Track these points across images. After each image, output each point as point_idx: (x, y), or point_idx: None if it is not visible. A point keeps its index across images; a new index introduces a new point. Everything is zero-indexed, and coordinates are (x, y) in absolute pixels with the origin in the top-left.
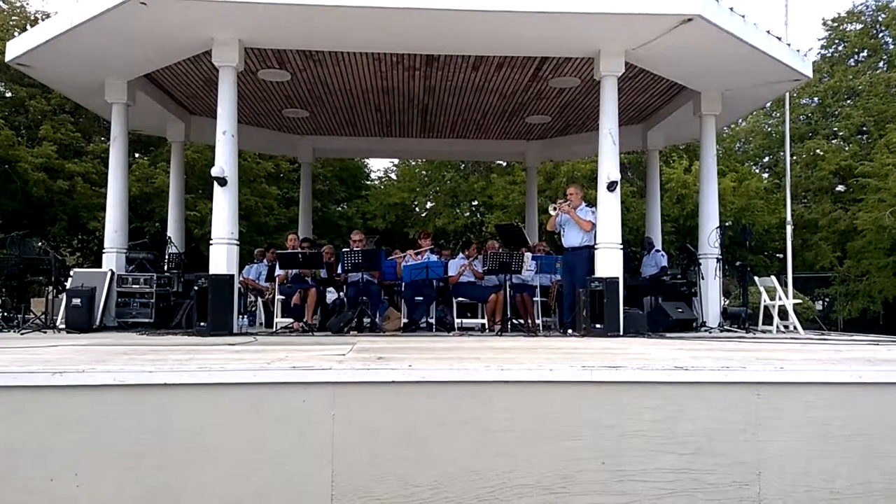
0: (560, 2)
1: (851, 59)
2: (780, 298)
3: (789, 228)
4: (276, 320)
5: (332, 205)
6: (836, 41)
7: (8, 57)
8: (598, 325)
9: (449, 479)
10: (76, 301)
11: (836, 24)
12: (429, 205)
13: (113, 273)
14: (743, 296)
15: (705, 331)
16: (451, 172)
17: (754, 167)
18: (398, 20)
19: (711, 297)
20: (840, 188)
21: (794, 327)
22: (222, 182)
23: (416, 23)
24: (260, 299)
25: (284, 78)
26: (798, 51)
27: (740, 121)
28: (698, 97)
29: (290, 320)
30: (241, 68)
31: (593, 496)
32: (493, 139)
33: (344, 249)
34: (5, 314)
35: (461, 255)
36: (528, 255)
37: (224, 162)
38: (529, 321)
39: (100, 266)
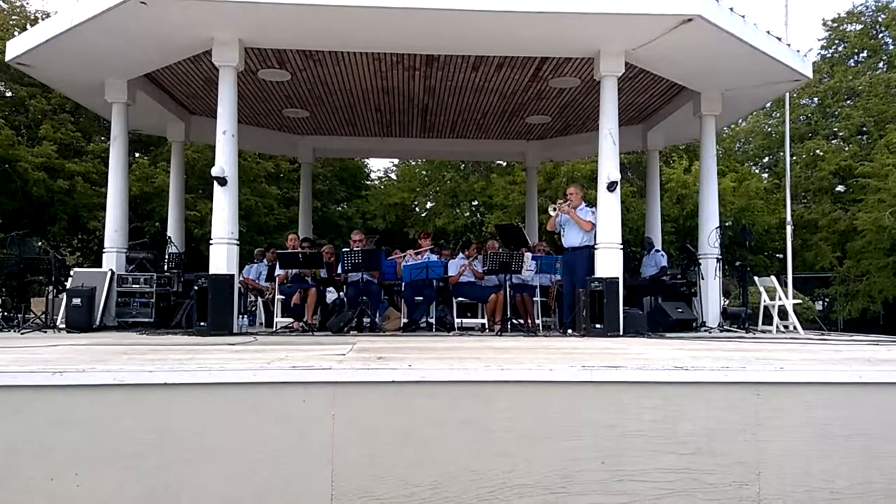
0: (560, 2)
1: (851, 60)
2: (779, 298)
3: (789, 228)
4: (276, 320)
5: (332, 205)
6: (836, 41)
7: (8, 56)
8: (597, 325)
9: (449, 479)
10: (76, 301)
11: (836, 25)
12: (429, 205)
13: (113, 273)
14: (743, 296)
15: (705, 331)
16: (451, 172)
17: (754, 167)
18: (398, 20)
19: (711, 297)
20: (840, 188)
21: (794, 327)
22: (222, 182)
23: (416, 23)
24: (260, 299)
25: (284, 78)
26: (798, 51)
27: (740, 121)
28: (698, 97)
29: (290, 320)
30: (242, 68)
31: (593, 496)
32: (493, 139)
33: (344, 249)
34: (5, 314)
35: (461, 255)
36: (528, 255)
37: (224, 162)
38: (529, 321)
39: (100, 266)
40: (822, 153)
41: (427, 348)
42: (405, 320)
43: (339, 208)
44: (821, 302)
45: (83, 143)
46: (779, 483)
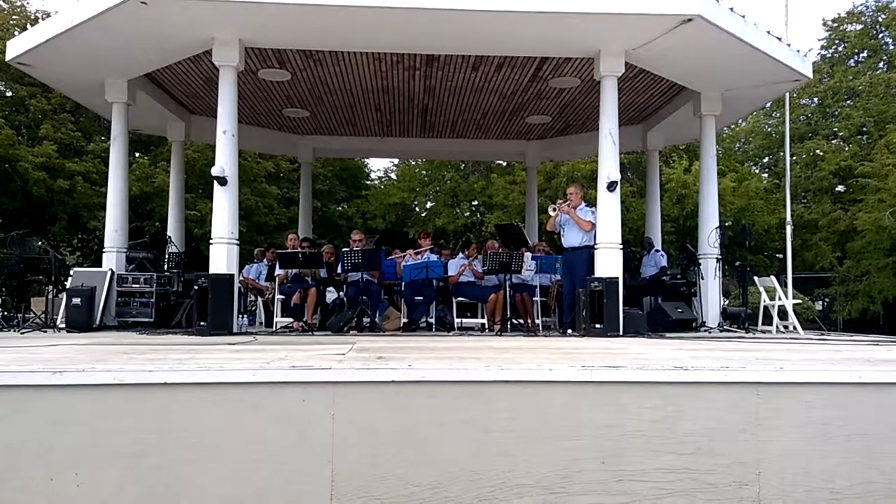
0: (560, 2)
1: (851, 60)
2: (779, 298)
3: (789, 229)
4: (275, 320)
5: (332, 204)
6: (836, 42)
7: (8, 56)
8: (597, 325)
9: (449, 479)
10: (76, 300)
11: (836, 25)
12: (429, 205)
13: (113, 272)
14: (742, 296)
15: (705, 331)
16: (451, 172)
17: (754, 167)
18: (399, 20)
19: (711, 297)
20: (840, 188)
21: (794, 327)
22: (222, 181)
23: (416, 23)
24: (260, 299)
25: (285, 77)
26: (798, 51)
27: (740, 121)
28: (698, 97)
29: (290, 320)
30: (242, 68)
31: (593, 496)
32: (493, 139)
33: (344, 249)
34: (5, 313)
35: (461, 254)
36: (528, 254)
37: (224, 161)
38: (529, 321)
39: (100, 265)
40: (822, 153)
41: (427, 348)
42: (405, 320)
43: (339, 208)
44: (821, 302)
45: (83, 143)
46: (779, 483)
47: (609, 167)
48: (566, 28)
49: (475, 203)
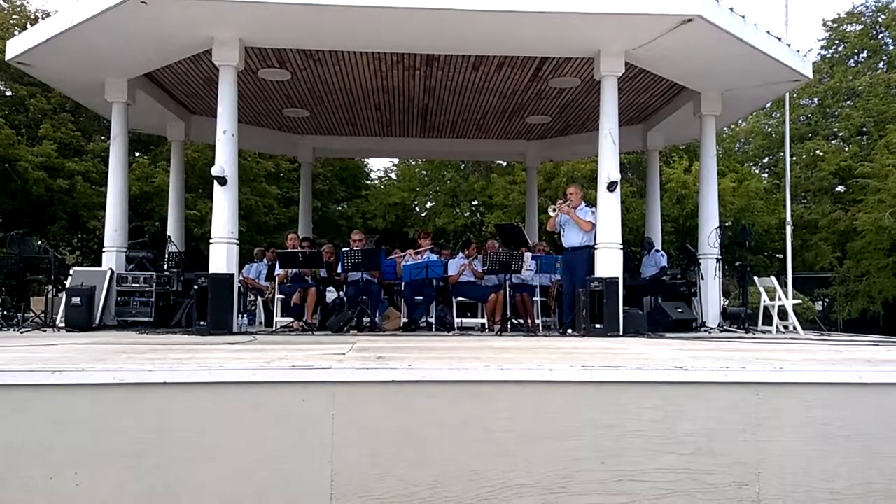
0: (560, 2)
1: (851, 60)
2: (779, 299)
3: (789, 229)
4: (275, 319)
5: (332, 204)
6: (836, 42)
7: (8, 56)
8: (597, 325)
9: (449, 479)
10: (76, 300)
11: (836, 25)
12: (429, 204)
13: (113, 272)
14: (742, 296)
15: (705, 331)
16: (451, 172)
17: (754, 167)
18: (399, 20)
19: (711, 297)
20: (840, 189)
21: (794, 328)
22: (222, 181)
23: (416, 22)
24: (260, 298)
25: (285, 77)
26: (798, 51)
27: (740, 121)
28: (698, 97)
29: (290, 319)
30: (242, 67)
31: (593, 496)
32: (493, 139)
33: (344, 249)
34: (5, 313)
35: (461, 254)
36: (528, 254)
37: (224, 161)
38: (529, 321)
39: (100, 265)
40: (822, 153)
41: (427, 348)
42: (405, 320)
43: (339, 208)
44: (821, 302)
45: (83, 143)
46: (779, 483)
47: (609, 167)
48: (566, 28)
49: (475, 203)
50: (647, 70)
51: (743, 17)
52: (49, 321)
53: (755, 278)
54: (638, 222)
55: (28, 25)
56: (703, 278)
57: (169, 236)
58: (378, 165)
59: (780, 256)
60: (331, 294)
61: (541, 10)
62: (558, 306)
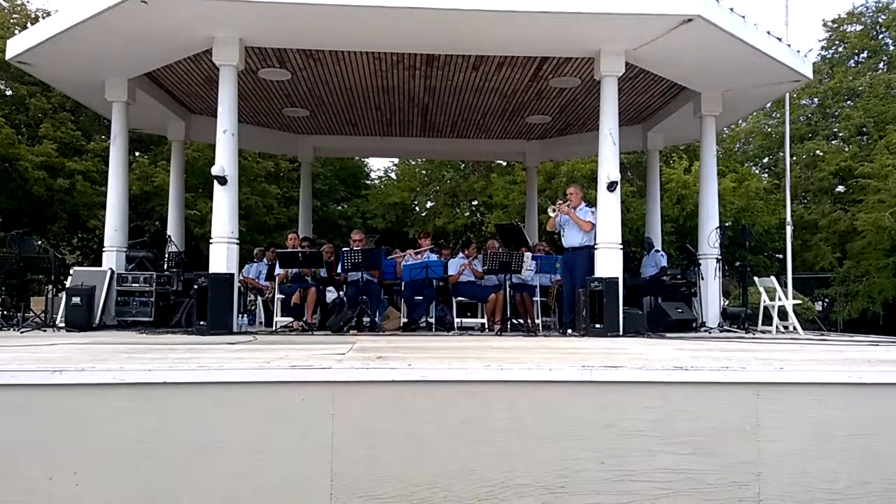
0: (561, 2)
1: (851, 61)
2: (779, 299)
3: (789, 229)
4: (275, 319)
5: (332, 204)
6: (837, 42)
7: (8, 55)
8: (597, 325)
9: (448, 479)
10: (76, 300)
11: (836, 26)
12: (429, 204)
13: (113, 272)
14: (742, 296)
15: (705, 331)
16: (451, 172)
17: (754, 168)
18: (399, 19)
19: (711, 297)
20: (840, 189)
21: (794, 328)
22: (222, 181)
23: (416, 22)
24: (260, 298)
25: (285, 77)
26: (798, 52)
27: (740, 121)
28: (698, 97)
29: (290, 319)
30: (242, 67)
31: (593, 496)
32: (493, 139)
33: (344, 249)
34: (5, 312)
35: (461, 254)
36: (528, 254)
37: (224, 161)
38: (529, 321)
39: (100, 265)
40: (822, 154)
41: (427, 348)
42: (405, 320)
43: (339, 208)
44: (821, 302)
45: (83, 142)
46: (778, 483)
47: (609, 167)
48: (566, 28)
49: (475, 203)
50: (647, 70)
51: (743, 17)
52: (49, 321)
53: (755, 278)
54: (638, 222)
55: (28, 25)
56: (703, 278)
57: (169, 236)
58: (378, 165)
59: (780, 256)
60: (331, 294)
61: (541, 10)
62: (558, 306)
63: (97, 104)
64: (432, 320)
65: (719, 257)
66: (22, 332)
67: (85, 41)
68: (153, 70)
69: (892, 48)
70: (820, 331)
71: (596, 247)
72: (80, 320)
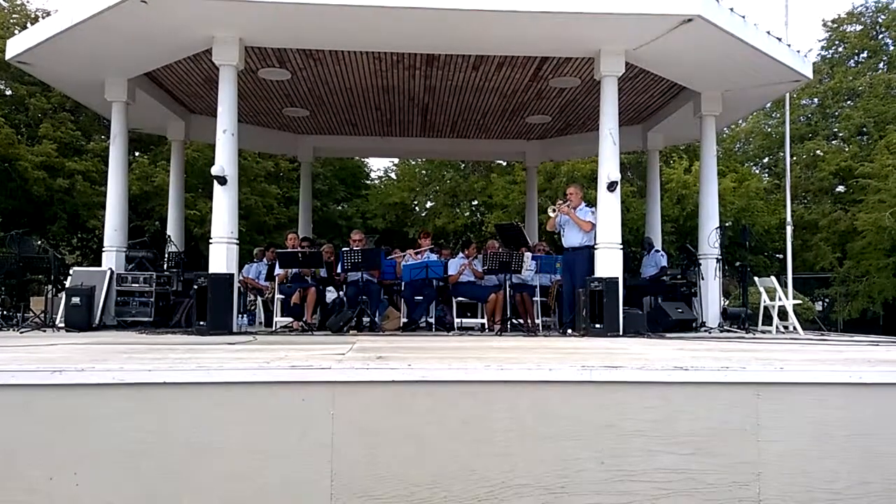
0: (561, 2)
1: (851, 61)
2: (779, 299)
3: (789, 229)
4: (275, 319)
5: (332, 204)
6: (836, 42)
7: (8, 55)
8: (597, 325)
9: (448, 479)
10: (75, 300)
11: (836, 26)
12: (429, 204)
13: (112, 272)
14: (743, 296)
15: (705, 331)
16: (451, 172)
17: (754, 168)
18: (399, 19)
19: (711, 297)
20: (840, 189)
21: (794, 328)
22: (222, 181)
23: (416, 22)
24: (259, 298)
25: (285, 77)
26: (798, 52)
27: (740, 121)
28: (698, 97)
29: (290, 319)
30: (242, 67)
31: (593, 496)
32: (493, 139)
33: (343, 249)
34: (5, 313)
35: (461, 254)
36: (528, 254)
37: (224, 161)
38: (529, 321)
39: (99, 265)
40: (822, 154)
41: (427, 348)
42: (405, 320)
43: (339, 208)
44: (821, 302)
45: (83, 142)
46: (778, 483)
47: (609, 167)
48: (566, 28)
49: (475, 203)
50: (647, 70)
51: (743, 17)
52: (49, 321)
53: (755, 278)
54: (638, 222)
55: (28, 25)
56: (703, 278)
57: (169, 236)
58: (378, 165)
59: (781, 256)
60: (331, 294)
61: (541, 9)
62: (558, 306)
63: (97, 104)
64: (432, 320)
65: (719, 257)
66: (22, 333)
67: (85, 41)
68: (153, 70)
69: (892, 48)
70: (820, 331)
71: (596, 247)
72: (80, 320)
